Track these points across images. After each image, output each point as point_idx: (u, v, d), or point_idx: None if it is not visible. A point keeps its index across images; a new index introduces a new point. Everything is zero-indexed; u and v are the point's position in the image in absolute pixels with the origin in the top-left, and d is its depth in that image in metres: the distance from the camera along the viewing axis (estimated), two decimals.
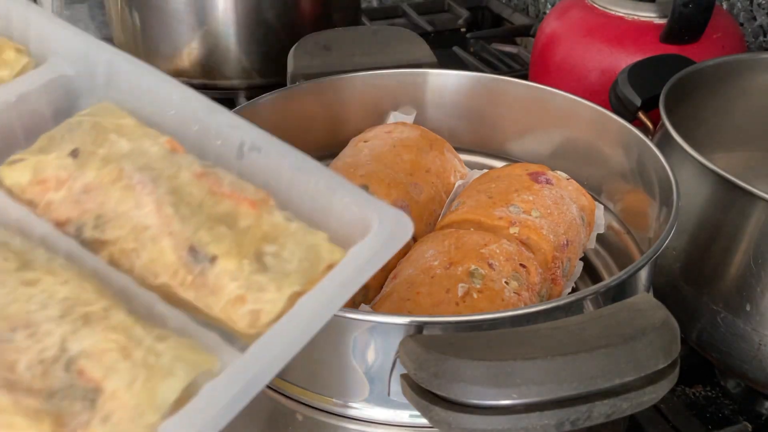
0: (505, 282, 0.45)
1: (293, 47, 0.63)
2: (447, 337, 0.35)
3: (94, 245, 0.33)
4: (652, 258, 0.41)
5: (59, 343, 0.28)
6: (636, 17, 0.78)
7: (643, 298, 0.37)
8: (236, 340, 0.31)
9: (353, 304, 0.47)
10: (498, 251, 0.46)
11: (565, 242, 0.50)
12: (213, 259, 0.31)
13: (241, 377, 0.28)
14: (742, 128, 0.69)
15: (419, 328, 0.36)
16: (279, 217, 0.33)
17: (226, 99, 0.95)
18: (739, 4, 0.88)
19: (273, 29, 0.91)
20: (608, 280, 0.40)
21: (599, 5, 0.81)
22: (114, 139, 0.35)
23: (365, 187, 0.53)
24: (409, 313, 0.43)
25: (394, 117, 0.62)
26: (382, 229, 0.30)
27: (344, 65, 0.61)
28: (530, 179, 0.53)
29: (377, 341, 0.38)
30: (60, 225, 0.33)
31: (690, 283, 0.55)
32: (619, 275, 0.40)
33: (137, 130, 0.36)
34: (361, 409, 0.40)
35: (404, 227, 0.30)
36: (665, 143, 0.56)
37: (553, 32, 0.84)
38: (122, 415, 0.27)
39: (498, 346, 0.33)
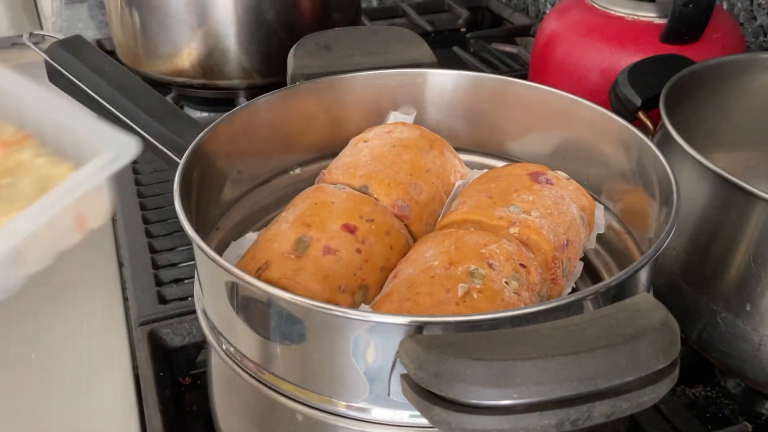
0: (505, 282, 0.45)
1: (293, 47, 0.63)
2: (447, 337, 0.35)
3: None
4: (652, 258, 0.41)
5: None
6: (636, 17, 0.78)
7: (643, 298, 0.37)
8: None
9: (353, 304, 0.47)
10: (498, 251, 0.46)
11: (565, 242, 0.50)
12: None
13: None
14: (742, 128, 0.69)
15: (419, 328, 0.36)
16: (28, 154, 0.38)
17: (226, 99, 0.95)
18: (739, 4, 0.88)
19: (273, 29, 0.92)
20: (608, 280, 0.40)
21: (599, 5, 0.81)
22: None
23: (365, 187, 0.53)
24: (409, 313, 0.43)
25: (394, 117, 0.62)
26: (107, 153, 0.38)
27: (344, 65, 0.61)
28: (530, 179, 0.53)
29: (377, 341, 0.38)
30: None
31: (690, 283, 0.55)
32: (619, 275, 0.40)
33: None
34: (361, 409, 0.40)
35: (128, 150, 0.41)
36: (665, 143, 0.56)
37: (553, 32, 0.84)
38: None
39: (498, 346, 0.33)
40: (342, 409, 0.41)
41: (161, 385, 0.58)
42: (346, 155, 0.57)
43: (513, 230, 0.49)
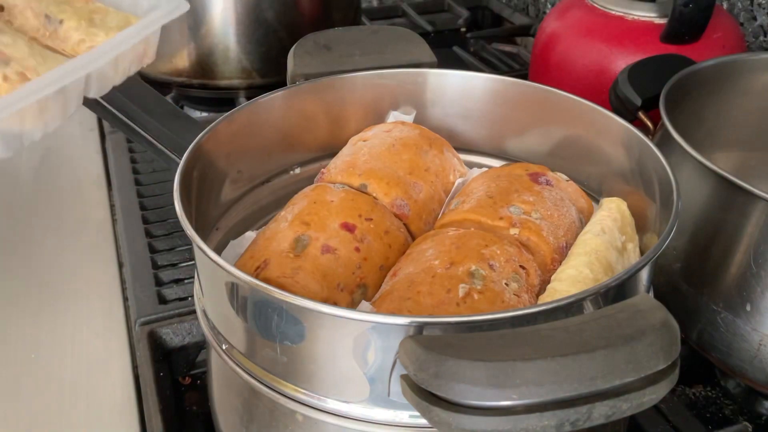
0: (506, 283, 0.45)
1: (293, 47, 0.63)
2: (447, 338, 0.35)
3: None
4: (652, 258, 0.41)
5: None
6: (636, 17, 0.78)
7: (643, 298, 0.37)
8: None
9: (352, 302, 0.47)
10: (499, 252, 0.46)
11: (565, 244, 0.50)
12: (61, 22, 0.54)
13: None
14: (742, 128, 0.69)
15: (419, 328, 0.36)
16: (100, 4, 0.56)
17: (226, 99, 0.95)
18: (739, 4, 0.88)
19: (273, 29, 0.91)
20: (608, 281, 0.40)
21: (599, 5, 0.81)
22: None
23: (364, 186, 0.53)
24: (410, 313, 0.43)
25: (393, 116, 0.62)
26: (164, 8, 0.56)
27: (344, 65, 0.61)
28: (531, 180, 0.53)
29: (377, 341, 0.38)
30: None
31: (690, 283, 0.55)
32: (619, 275, 0.40)
33: None
34: (361, 409, 0.40)
35: (181, 6, 0.57)
36: (665, 143, 0.56)
37: (553, 32, 0.84)
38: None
39: (498, 346, 0.33)
40: (342, 410, 0.41)
41: (161, 385, 0.58)
42: (345, 154, 0.57)
43: (513, 231, 0.49)
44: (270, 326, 0.40)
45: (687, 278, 0.56)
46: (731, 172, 0.51)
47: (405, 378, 0.34)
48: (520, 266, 0.46)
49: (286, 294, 0.38)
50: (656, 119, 0.60)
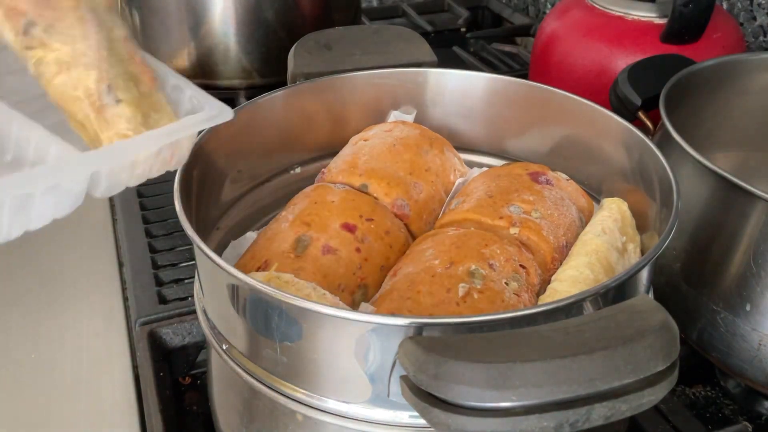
0: (506, 283, 0.45)
1: (293, 46, 0.63)
2: (446, 339, 0.35)
3: (33, 43, 0.43)
4: (652, 258, 0.41)
5: None
6: (636, 17, 0.78)
7: (642, 299, 0.37)
8: None
9: (353, 303, 0.47)
10: (498, 251, 0.46)
11: (565, 244, 0.50)
12: (119, 101, 0.44)
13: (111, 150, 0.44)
14: (742, 128, 0.69)
15: (419, 329, 0.36)
16: (162, 97, 0.47)
17: (227, 99, 0.94)
18: (739, 4, 0.88)
19: (273, 29, 0.91)
20: (608, 281, 0.40)
21: (599, 5, 0.80)
22: None
23: (365, 186, 0.53)
24: (410, 312, 0.43)
25: (394, 116, 0.62)
26: (207, 112, 0.48)
27: (345, 64, 0.61)
28: (531, 179, 0.53)
29: (377, 342, 0.38)
30: (13, 13, 0.42)
31: (690, 283, 0.55)
32: (619, 276, 0.40)
33: None
34: (361, 409, 0.40)
35: (224, 114, 0.48)
36: (665, 143, 0.56)
37: (553, 32, 0.84)
38: None
39: (497, 348, 0.33)
40: (342, 410, 0.41)
41: (161, 384, 0.58)
42: (345, 154, 0.57)
43: (513, 231, 0.49)
44: (270, 326, 0.40)
45: (687, 278, 0.56)
46: (731, 172, 0.51)
47: (404, 379, 0.34)
48: (520, 265, 0.46)
49: (286, 294, 0.38)
50: (656, 119, 0.60)
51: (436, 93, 0.62)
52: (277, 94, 0.57)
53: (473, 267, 0.45)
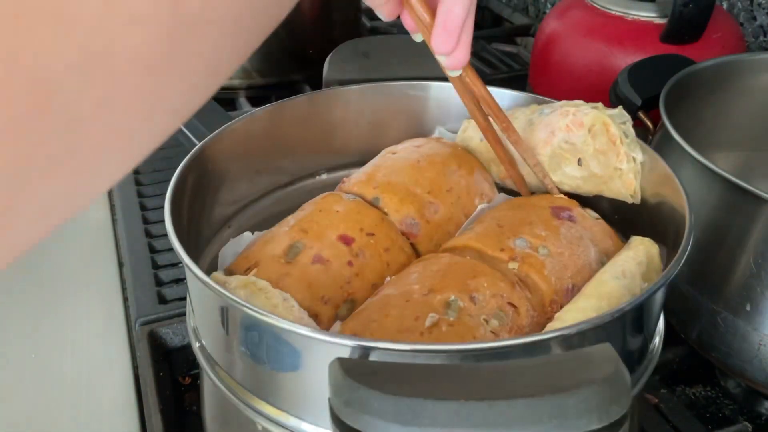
0: (484, 319, 0.42)
1: (331, 53, 0.63)
2: (372, 364, 0.33)
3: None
4: (634, 305, 0.38)
5: None
6: (636, 17, 0.78)
7: (602, 348, 0.33)
8: None
9: (336, 317, 0.46)
10: (486, 285, 0.43)
11: (570, 287, 0.46)
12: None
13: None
14: (742, 128, 0.69)
15: (362, 351, 0.35)
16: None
17: (227, 99, 0.95)
18: (739, 4, 0.88)
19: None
20: (571, 325, 0.36)
21: (599, 5, 0.81)
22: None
23: (377, 199, 0.52)
24: (371, 335, 0.41)
25: (438, 132, 0.60)
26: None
27: (380, 73, 0.60)
28: (551, 213, 0.50)
29: (321, 360, 0.35)
30: None
31: (690, 284, 0.55)
32: (584, 321, 0.37)
33: None
34: (314, 427, 0.40)
35: None
36: (665, 143, 0.56)
37: (553, 32, 0.84)
38: None
39: (417, 380, 0.31)
40: (296, 426, 0.40)
41: (161, 385, 0.58)
42: (369, 165, 0.56)
43: (512, 265, 0.46)
44: (232, 332, 0.40)
45: (687, 278, 0.56)
46: (731, 172, 0.51)
47: (329, 400, 0.32)
48: (509, 303, 0.43)
49: (240, 301, 0.37)
50: (656, 119, 0.60)
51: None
52: (302, 98, 0.57)
53: (452, 297, 0.42)
